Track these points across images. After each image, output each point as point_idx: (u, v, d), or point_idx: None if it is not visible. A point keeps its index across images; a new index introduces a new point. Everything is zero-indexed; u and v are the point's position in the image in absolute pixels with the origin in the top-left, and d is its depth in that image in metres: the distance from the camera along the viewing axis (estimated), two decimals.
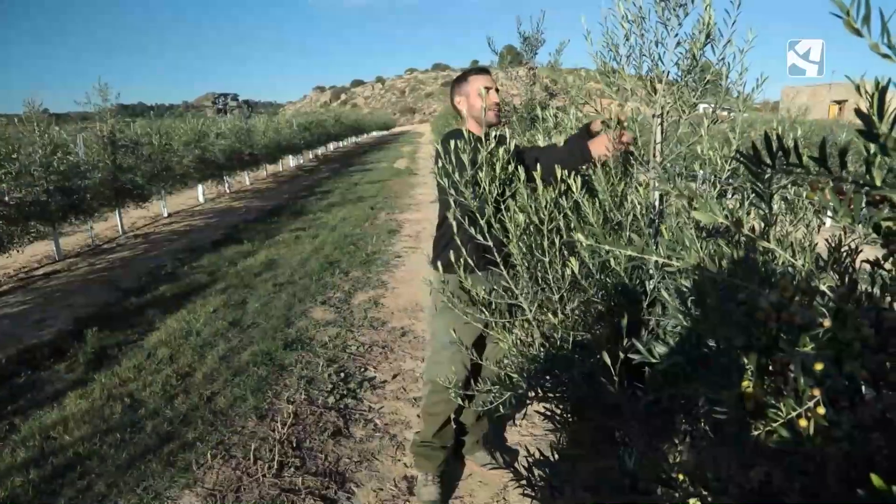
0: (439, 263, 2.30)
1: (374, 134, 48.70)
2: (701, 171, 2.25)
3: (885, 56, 0.85)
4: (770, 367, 0.97)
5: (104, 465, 3.00)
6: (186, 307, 5.53)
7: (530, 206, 1.96)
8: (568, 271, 1.81)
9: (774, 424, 0.97)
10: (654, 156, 2.45)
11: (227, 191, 15.25)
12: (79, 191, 8.18)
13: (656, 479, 1.47)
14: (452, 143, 2.03)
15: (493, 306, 2.07)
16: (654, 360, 1.19)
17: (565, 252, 1.97)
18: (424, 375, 2.78)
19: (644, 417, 1.59)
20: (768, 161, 0.84)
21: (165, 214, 11.53)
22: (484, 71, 2.73)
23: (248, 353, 4.35)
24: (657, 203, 2.35)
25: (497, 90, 2.68)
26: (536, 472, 1.72)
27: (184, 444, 3.19)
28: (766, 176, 1.02)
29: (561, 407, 1.79)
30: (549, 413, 1.78)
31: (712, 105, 2.40)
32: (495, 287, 2.06)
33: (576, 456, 1.74)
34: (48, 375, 4.12)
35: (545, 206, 1.92)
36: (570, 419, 1.79)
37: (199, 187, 13.65)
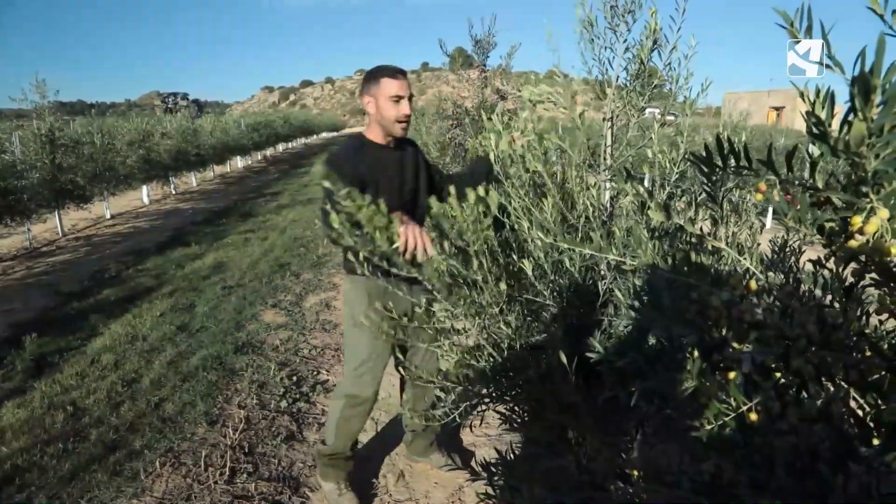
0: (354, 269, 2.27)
1: (324, 135, 48.22)
2: (648, 174, 2.31)
3: (827, 66, 0.90)
4: (721, 364, 1.01)
5: (45, 476, 2.88)
6: (132, 311, 5.37)
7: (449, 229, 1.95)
8: (503, 286, 1.80)
9: (726, 419, 1.00)
10: (605, 158, 2.51)
11: (173, 192, 14.86)
12: (15, 191, 7.85)
13: (612, 475, 1.50)
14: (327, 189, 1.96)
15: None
16: (610, 359, 1.22)
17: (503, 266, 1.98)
18: (341, 390, 2.63)
19: (599, 415, 1.62)
20: (720, 163, 0.87)
21: (108, 216, 11.15)
22: (399, 73, 2.42)
23: (198, 358, 4.25)
24: (608, 205, 2.40)
25: (410, 97, 2.42)
26: (494, 471, 1.74)
27: (131, 452, 3.10)
28: (716, 178, 1.06)
29: (517, 408, 1.81)
30: (505, 414, 1.80)
31: (659, 109, 2.47)
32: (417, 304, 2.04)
33: (533, 455, 1.76)
34: None
35: (468, 227, 1.90)
36: (527, 419, 1.82)
37: (144, 188, 13.26)
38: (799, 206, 0.86)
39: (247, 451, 3.11)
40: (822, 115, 0.81)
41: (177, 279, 6.48)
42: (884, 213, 0.73)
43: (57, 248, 8.57)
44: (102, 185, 10.64)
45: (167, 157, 13.63)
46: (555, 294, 2.05)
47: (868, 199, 0.75)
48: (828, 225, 0.86)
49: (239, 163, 22.03)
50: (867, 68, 0.65)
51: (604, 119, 2.51)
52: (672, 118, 2.44)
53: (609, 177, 2.40)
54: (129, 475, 2.91)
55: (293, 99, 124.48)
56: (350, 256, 1.85)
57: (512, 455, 1.83)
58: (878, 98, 0.65)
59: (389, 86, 2.36)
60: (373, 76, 2.40)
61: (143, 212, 12.14)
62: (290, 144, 33.07)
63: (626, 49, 2.38)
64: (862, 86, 0.64)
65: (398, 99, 2.36)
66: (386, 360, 2.56)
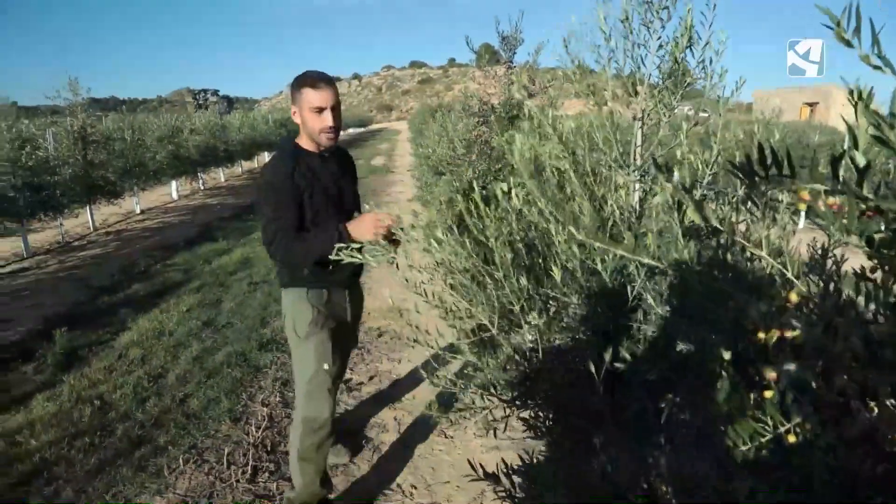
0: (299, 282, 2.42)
1: (351, 131, 48.33)
2: (677, 175, 2.23)
3: (876, 67, 0.84)
4: (757, 379, 0.96)
5: (72, 470, 2.92)
6: (160, 306, 5.43)
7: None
8: (524, 282, 1.76)
9: (762, 440, 0.95)
10: (635, 159, 2.45)
11: (202, 187, 15.05)
12: (48, 187, 7.99)
13: (638, 486, 1.45)
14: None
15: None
16: (639, 369, 1.18)
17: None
18: (297, 415, 2.45)
19: (626, 423, 1.58)
20: (762, 173, 0.82)
21: (138, 211, 11.33)
22: (322, 82, 2.26)
23: (223, 354, 4.27)
24: (637, 206, 2.34)
25: (335, 107, 2.29)
26: (516, 478, 1.70)
27: (155, 448, 3.12)
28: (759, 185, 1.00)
29: (541, 413, 1.77)
30: (529, 421, 1.76)
31: (691, 108, 2.41)
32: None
33: (556, 461, 1.72)
34: (15, 377, 4.01)
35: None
36: (552, 426, 1.77)
37: (173, 183, 13.45)
38: (847, 216, 0.81)
39: (269, 449, 3.12)
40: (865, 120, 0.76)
41: (204, 274, 6.55)
42: None
43: (88, 242, 8.71)
44: (132, 180, 10.82)
45: (196, 153, 13.80)
46: (583, 296, 2.00)
47: None
48: (877, 236, 0.81)
49: (267, 158, 22.21)
50: None
51: (634, 118, 2.45)
52: (705, 115, 2.37)
53: (639, 177, 2.35)
54: (153, 471, 2.93)
55: None
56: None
57: (535, 461, 1.79)
58: None
59: (310, 97, 2.25)
60: (297, 86, 2.30)
61: (172, 207, 12.31)
62: None
63: (660, 46, 2.32)
64: None
65: (320, 110, 2.27)
66: (334, 373, 2.46)
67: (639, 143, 2.46)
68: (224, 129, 16.44)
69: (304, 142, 2.38)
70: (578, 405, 1.64)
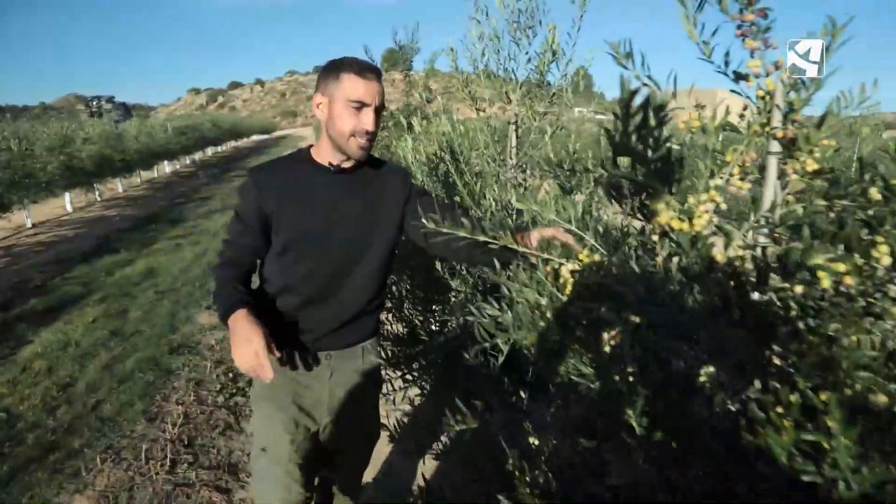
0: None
1: (255, 137, 47.25)
2: (547, 170, 2.60)
3: (645, 84, 1.17)
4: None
5: None
6: (62, 319, 5.35)
7: None
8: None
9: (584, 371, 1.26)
10: (510, 158, 2.79)
11: (98, 199, 14.47)
12: None
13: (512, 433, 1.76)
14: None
15: None
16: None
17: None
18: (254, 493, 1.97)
19: (497, 381, 1.89)
20: (565, 167, 1.13)
21: (29, 225, 10.81)
22: (369, 71, 1.67)
23: (133, 361, 4.32)
24: (513, 201, 2.68)
25: (379, 110, 1.70)
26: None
27: (70, 452, 3.18)
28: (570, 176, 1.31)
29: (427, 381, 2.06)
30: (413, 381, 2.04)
31: (555, 113, 2.78)
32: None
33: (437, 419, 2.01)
34: None
35: None
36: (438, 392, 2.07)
37: (67, 196, 12.88)
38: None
39: (186, 443, 3.25)
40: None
41: (107, 286, 6.45)
42: (673, 206, 1.01)
43: None
44: (21, 192, 10.31)
45: (90, 163, 13.24)
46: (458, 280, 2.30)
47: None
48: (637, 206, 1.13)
49: (167, 167, 21.53)
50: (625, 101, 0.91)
51: (508, 123, 2.80)
52: (601, 117, 2.74)
53: (514, 175, 2.69)
54: (70, 473, 3.01)
55: (221, 101, 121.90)
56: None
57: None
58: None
59: (353, 86, 1.65)
60: (333, 70, 1.69)
61: (66, 220, 11.80)
62: (219, 148, 32.39)
63: (529, 60, 2.68)
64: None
65: (361, 106, 1.66)
66: (286, 465, 1.81)
67: (513, 144, 2.81)
68: (120, 138, 15.85)
69: (320, 149, 1.80)
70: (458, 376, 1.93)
